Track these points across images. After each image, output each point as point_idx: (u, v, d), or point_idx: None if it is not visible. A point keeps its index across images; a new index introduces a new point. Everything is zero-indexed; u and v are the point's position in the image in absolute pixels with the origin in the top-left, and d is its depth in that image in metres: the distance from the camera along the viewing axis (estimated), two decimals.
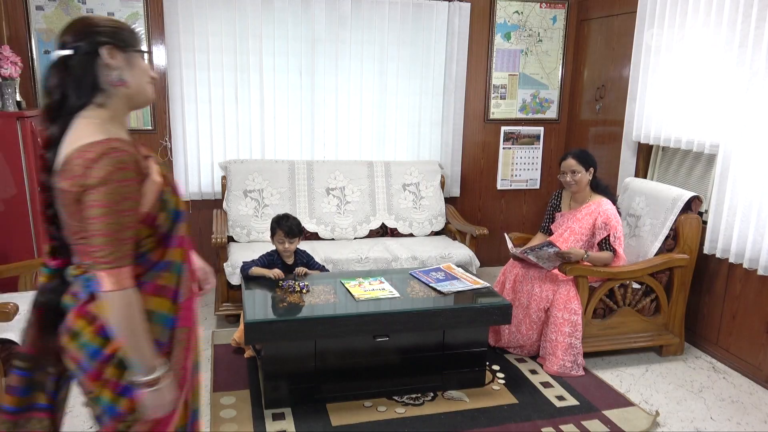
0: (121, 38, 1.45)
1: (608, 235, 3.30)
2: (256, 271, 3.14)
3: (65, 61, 1.41)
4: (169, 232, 1.47)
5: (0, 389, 2.30)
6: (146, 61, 1.53)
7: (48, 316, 1.50)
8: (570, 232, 3.38)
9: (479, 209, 5.07)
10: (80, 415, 2.74)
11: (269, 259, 3.25)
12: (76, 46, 1.41)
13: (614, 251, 3.30)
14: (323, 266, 3.53)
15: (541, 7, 4.78)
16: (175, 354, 1.49)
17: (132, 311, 1.36)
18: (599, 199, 3.37)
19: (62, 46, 1.42)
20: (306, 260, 3.40)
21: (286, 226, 3.23)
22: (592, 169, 3.36)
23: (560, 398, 2.99)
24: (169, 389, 1.44)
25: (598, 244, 3.34)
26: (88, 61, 1.41)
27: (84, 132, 1.38)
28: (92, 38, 1.42)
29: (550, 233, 3.54)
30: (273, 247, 3.34)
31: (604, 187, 3.44)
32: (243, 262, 3.20)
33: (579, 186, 3.36)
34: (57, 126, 1.41)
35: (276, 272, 3.11)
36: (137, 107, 1.53)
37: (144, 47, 1.52)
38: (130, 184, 1.34)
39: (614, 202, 3.40)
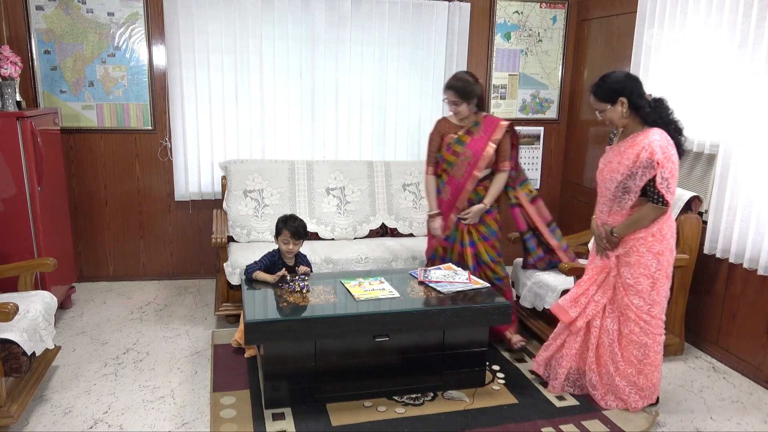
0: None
1: (653, 178, 2.54)
2: (260, 276, 3.14)
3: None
4: None
5: None
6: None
7: None
8: (608, 170, 2.74)
9: None
10: (80, 416, 2.75)
11: (271, 260, 3.24)
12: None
13: (662, 200, 2.56)
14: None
15: (541, 7, 4.79)
16: None
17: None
18: (650, 130, 2.62)
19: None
20: (306, 264, 3.39)
21: (292, 227, 3.23)
22: (623, 100, 2.62)
23: (560, 398, 2.99)
24: None
25: (643, 192, 2.63)
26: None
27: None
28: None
29: None
30: (274, 247, 3.34)
31: (660, 116, 2.64)
32: (246, 266, 3.20)
33: (614, 123, 2.73)
34: None
35: (280, 273, 3.12)
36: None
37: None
38: None
39: (675, 134, 2.63)
